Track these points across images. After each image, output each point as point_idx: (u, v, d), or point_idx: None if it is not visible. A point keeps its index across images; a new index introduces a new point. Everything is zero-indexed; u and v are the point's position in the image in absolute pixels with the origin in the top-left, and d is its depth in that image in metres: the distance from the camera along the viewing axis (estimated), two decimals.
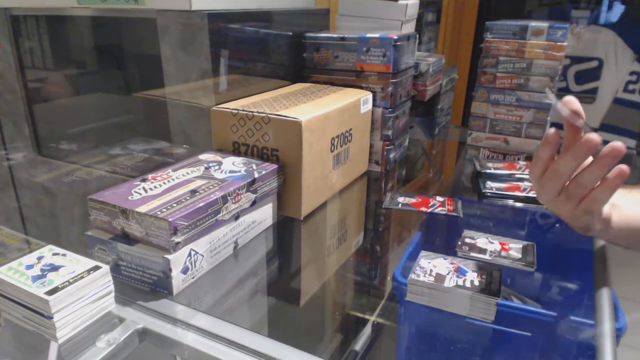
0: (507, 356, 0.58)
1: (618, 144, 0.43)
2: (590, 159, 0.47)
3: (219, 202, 0.56)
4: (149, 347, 0.48)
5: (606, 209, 0.49)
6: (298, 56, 0.94)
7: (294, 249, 0.70)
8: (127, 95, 0.93)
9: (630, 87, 1.82)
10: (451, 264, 0.56)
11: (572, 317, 0.51)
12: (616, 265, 0.55)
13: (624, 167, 0.44)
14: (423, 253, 0.58)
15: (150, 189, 0.56)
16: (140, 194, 0.55)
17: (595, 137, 0.43)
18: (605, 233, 0.51)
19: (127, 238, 0.53)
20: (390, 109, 0.88)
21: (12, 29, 0.94)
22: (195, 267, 0.54)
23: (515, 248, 0.61)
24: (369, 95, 0.86)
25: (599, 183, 0.46)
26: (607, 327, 0.45)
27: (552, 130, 0.47)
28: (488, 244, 0.63)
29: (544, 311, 0.52)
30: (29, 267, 0.48)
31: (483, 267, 0.55)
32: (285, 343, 0.45)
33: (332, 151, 0.75)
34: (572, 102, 0.47)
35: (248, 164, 0.66)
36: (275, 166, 0.66)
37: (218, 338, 0.46)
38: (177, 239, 0.50)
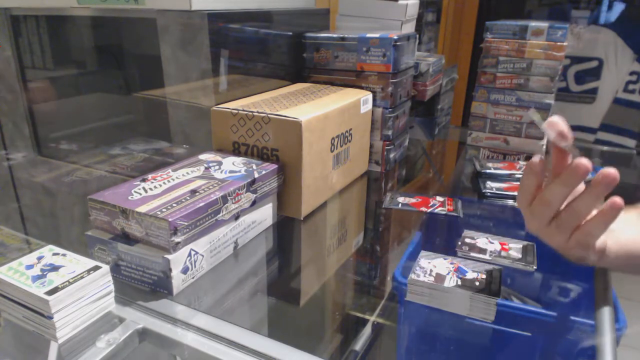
0: (507, 356, 0.58)
1: (610, 170, 0.40)
2: (583, 185, 0.44)
3: (219, 202, 0.56)
4: (149, 347, 0.48)
5: (601, 238, 0.46)
6: (298, 56, 0.94)
7: (294, 249, 0.70)
8: (127, 95, 0.93)
9: (630, 87, 1.82)
10: (451, 264, 0.56)
11: (572, 317, 0.51)
12: None
13: (617, 200, 0.41)
14: (423, 253, 0.58)
15: (150, 189, 0.56)
16: (140, 194, 0.55)
17: (585, 162, 0.40)
18: (601, 262, 0.48)
19: (127, 238, 0.53)
20: (390, 109, 0.88)
21: (12, 29, 0.94)
22: (195, 267, 0.54)
23: (515, 248, 0.61)
24: (369, 95, 0.86)
25: (593, 215, 0.43)
26: (607, 327, 0.44)
27: (535, 158, 0.44)
28: (488, 244, 0.63)
29: (544, 311, 0.52)
30: (29, 267, 0.48)
31: (483, 267, 0.55)
32: (285, 343, 0.45)
33: (332, 151, 0.75)
34: (557, 123, 0.44)
35: (248, 164, 0.66)
36: (275, 166, 0.66)
37: (218, 338, 0.46)
38: (177, 239, 0.50)
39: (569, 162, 0.43)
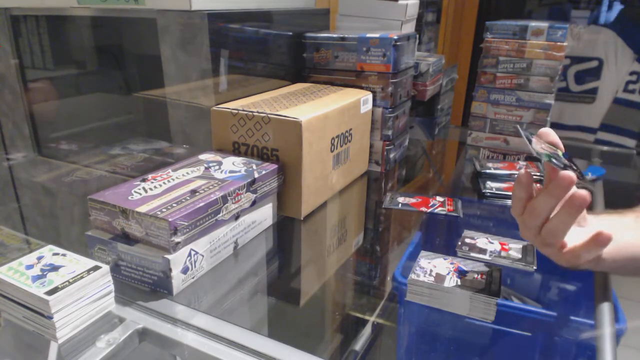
0: (507, 356, 0.58)
1: (581, 193, 0.42)
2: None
3: (219, 202, 0.56)
4: (149, 347, 0.48)
5: None
6: (298, 56, 0.94)
7: (294, 249, 0.70)
8: (127, 95, 0.93)
9: (630, 87, 1.82)
10: (451, 264, 0.56)
11: (572, 317, 0.51)
12: None
13: (604, 234, 0.42)
14: (423, 253, 0.58)
15: (150, 189, 0.56)
16: (140, 194, 0.55)
17: (569, 175, 0.42)
18: (598, 267, 0.49)
19: (127, 238, 0.53)
20: (390, 109, 0.88)
21: (12, 29, 0.94)
22: (195, 267, 0.54)
23: (515, 248, 0.61)
24: (369, 95, 0.86)
25: (585, 240, 0.44)
26: (607, 327, 0.45)
27: (522, 171, 0.46)
28: (488, 244, 0.63)
29: (544, 311, 0.52)
30: (29, 267, 0.48)
31: (483, 267, 0.55)
32: (285, 343, 0.45)
33: (332, 151, 0.75)
34: (548, 134, 0.47)
35: (248, 164, 0.66)
36: (275, 166, 0.66)
37: (218, 338, 0.46)
38: (177, 239, 0.50)
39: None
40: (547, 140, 0.47)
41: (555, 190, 0.43)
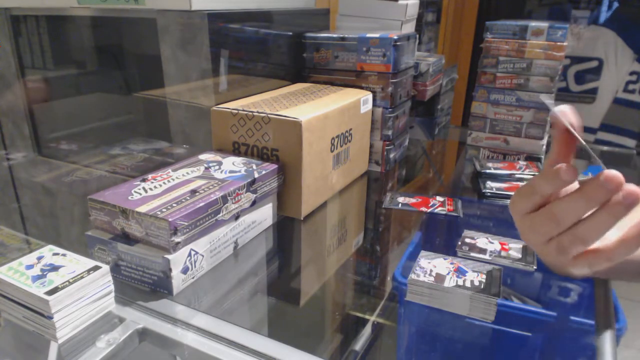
0: (507, 356, 0.58)
1: (633, 187, 0.33)
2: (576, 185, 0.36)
3: (219, 202, 0.56)
4: (149, 347, 0.48)
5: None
6: (298, 56, 0.94)
7: (294, 249, 0.70)
8: (127, 95, 0.93)
9: (630, 87, 1.82)
10: (451, 264, 0.56)
11: (572, 317, 0.51)
12: None
13: None
14: (423, 253, 0.58)
15: (150, 189, 0.56)
16: (140, 194, 0.55)
17: (618, 176, 0.33)
18: (596, 273, 0.44)
19: (127, 238, 0.53)
20: (390, 109, 0.88)
21: (12, 29, 0.94)
22: (195, 267, 0.54)
23: (515, 248, 0.61)
24: (369, 95, 0.86)
25: (615, 241, 0.36)
26: (607, 327, 0.44)
27: (565, 166, 0.35)
28: (488, 244, 0.63)
29: (544, 311, 0.52)
30: (29, 267, 0.48)
31: (483, 267, 0.55)
32: (285, 343, 0.45)
33: (332, 151, 0.75)
34: (567, 113, 0.38)
35: (248, 164, 0.66)
36: (275, 166, 0.66)
37: (218, 338, 0.46)
38: (177, 239, 0.50)
39: (571, 160, 0.38)
40: (567, 119, 0.38)
41: (596, 193, 0.34)
